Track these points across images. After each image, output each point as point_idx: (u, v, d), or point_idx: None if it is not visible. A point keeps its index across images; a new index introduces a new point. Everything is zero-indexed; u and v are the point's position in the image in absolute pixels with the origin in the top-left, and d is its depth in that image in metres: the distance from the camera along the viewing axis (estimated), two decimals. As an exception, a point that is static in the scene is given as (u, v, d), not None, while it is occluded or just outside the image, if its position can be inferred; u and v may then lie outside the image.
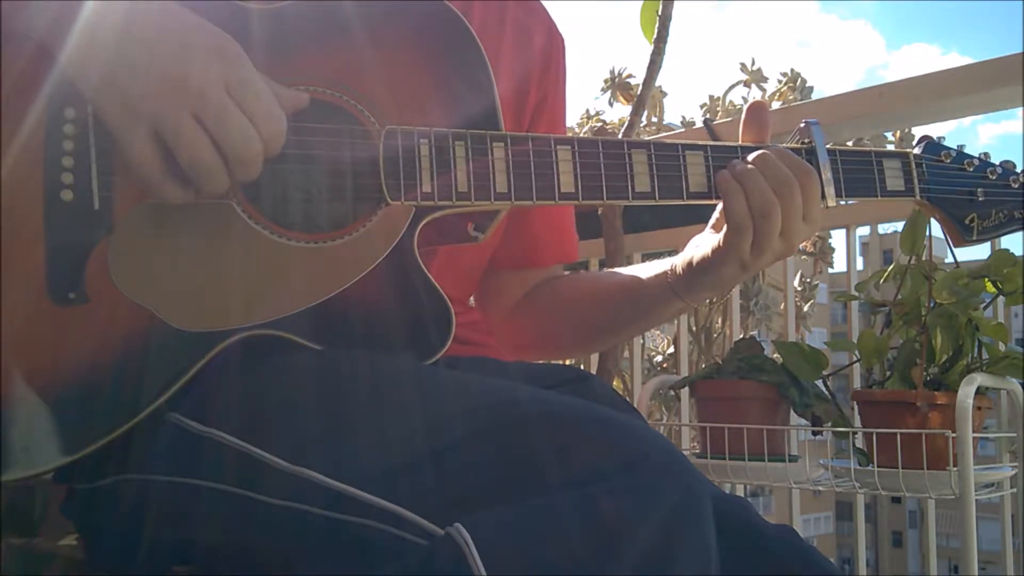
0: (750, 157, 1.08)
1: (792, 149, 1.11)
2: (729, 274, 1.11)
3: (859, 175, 1.13)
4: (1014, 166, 1.17)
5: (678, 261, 1.18)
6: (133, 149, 0.90)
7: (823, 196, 1.10)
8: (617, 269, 1.39)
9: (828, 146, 1.12)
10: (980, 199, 1.16)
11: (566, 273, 1.44)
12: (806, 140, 1.13)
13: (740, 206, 1.06)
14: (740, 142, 1.13)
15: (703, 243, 1.14)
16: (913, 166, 1.15)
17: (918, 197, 1.15)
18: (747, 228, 1.06)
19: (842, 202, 1.13)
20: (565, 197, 1.04)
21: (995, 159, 1.18)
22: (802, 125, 1.14)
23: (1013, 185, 1.16)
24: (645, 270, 1.25)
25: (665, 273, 1.19)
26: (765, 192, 1.05)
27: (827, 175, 1.10)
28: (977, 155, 1.17)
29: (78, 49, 0.88)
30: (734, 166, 1.07)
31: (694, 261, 1.14)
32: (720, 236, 1.10)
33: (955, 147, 1.17)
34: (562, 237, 1.39)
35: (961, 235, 1.16)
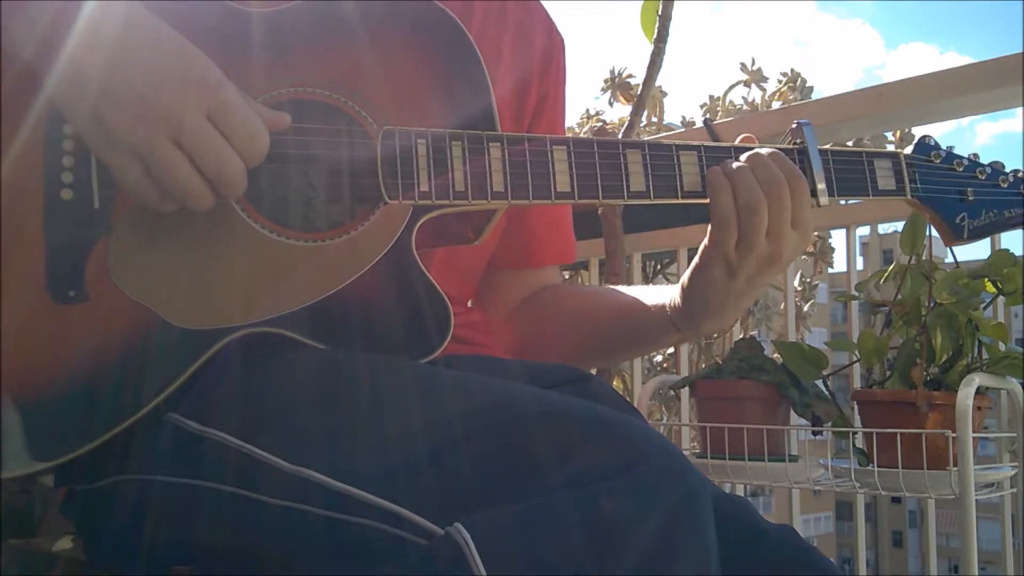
0: (743, 156, 1.08)
1: (784, 149, 1.12)
2: (718, 280, 1.09)
3: (851, 175, 1.14)
4: (1003, 167, 1.18)
5: (674, 290, 1.18)
6: (123, 176, 0.90)
7: (815, 195, 1.10)
8: (621, 288, 1.38)
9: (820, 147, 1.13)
10: (970, 199, 1.16)
11: (566, 283, 1.43)
12: (798, 140, 1.13)
13: (726, 200, 1.06)
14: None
15: (694, 260, 1.14)
16: (904, 165, 1.16)
17: (909, 196, 1.16)
18: (731, 223, 1.06)
19: (841, 202, 1.14)
20: (561, 196, 1.04)
21: (991, 159, 1.19)
22: (794, 125, 1.14)
23: (1002, 185, 1.17)
24: (648, 295, 1.24)
25: (664, 304, 1.19)
26: (752, 188, 1.05)
27: (819, 175, 1.11)
28: (967, 156, 1.18)
29: (63, 84, 0.88)
30: (725, 164, 1.08)
31: (685, 281, 1.15)
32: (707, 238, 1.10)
33: (945, 148, 1.18)
34: (560, 237, 1.39)
35: (952, 234, 1.17)
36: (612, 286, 1.64)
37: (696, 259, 1.12)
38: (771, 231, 1.06)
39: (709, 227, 1.09)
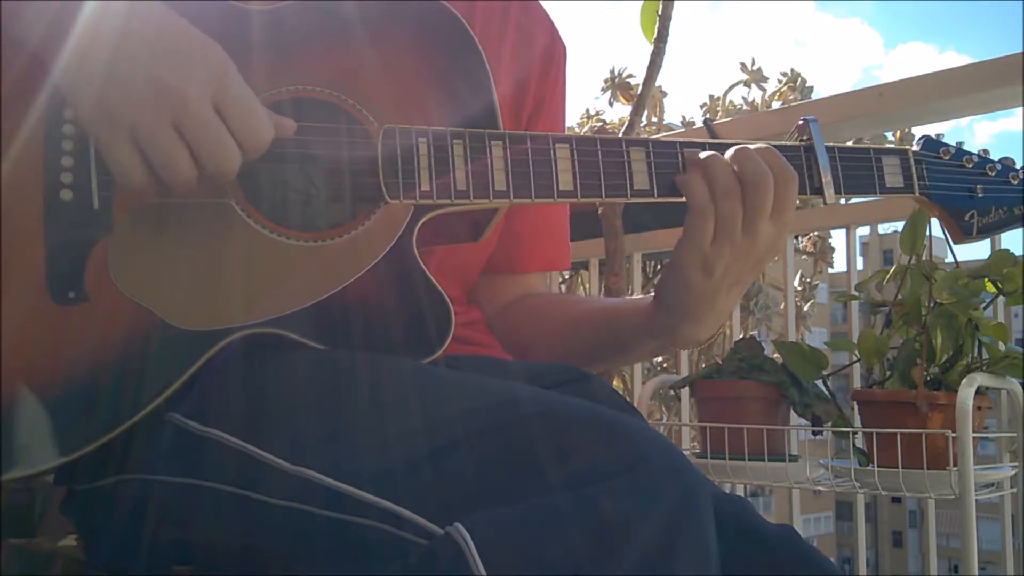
0: (728, 151, 1.05)
1: (791, 146, 1.11)
2: (692, 279, 1.05)
3: (858, 172, 1.12)
4: (1013, 163, 1.17)
5: (651, 296, 1.15)
6: (116, 158, 0.90)
7: (821, 193, 1.09)
8: (602, 299, 1.36)
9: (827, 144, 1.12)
10: (979, 196, 1.15)
11: (548, 293, 1.41)
12: (804, 137, 1.12)
13: (700, 188, 1.03)
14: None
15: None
16: (912, 163, 1.14)
17: (917, 194, 1.15)
18: (708, 211, 1.02)
19: (842, 200, 1.13)
20: (564, 195, 1.04)
21: (994, 156, 1.18)
22: (800, 122, 1.13)
23: (1012, 182, 1.16)
24: (626, 304, 1.22)
25: (640, 312, 1.15)
26: (727, 172, 1.02)
27: (826, 173, 1.10)
28: (976, 152, 1.17)
29: (70, 68, 0.88)
30: (693, 153, 1.05)
31: (659, 283, 1.11)
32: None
33: (954, 144, 1.16)
34: (550, 244, 1.37)
35: (961, 232, 1.16)
36: (596, 295, 1.62)
37: (670, 259, 1.08)
38: (747, 222, 1.02)
39: (683, 229, 1.05)
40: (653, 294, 1.14)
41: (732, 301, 1.11)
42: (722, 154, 1.05)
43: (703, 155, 1.05)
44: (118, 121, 0.88)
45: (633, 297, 1.23)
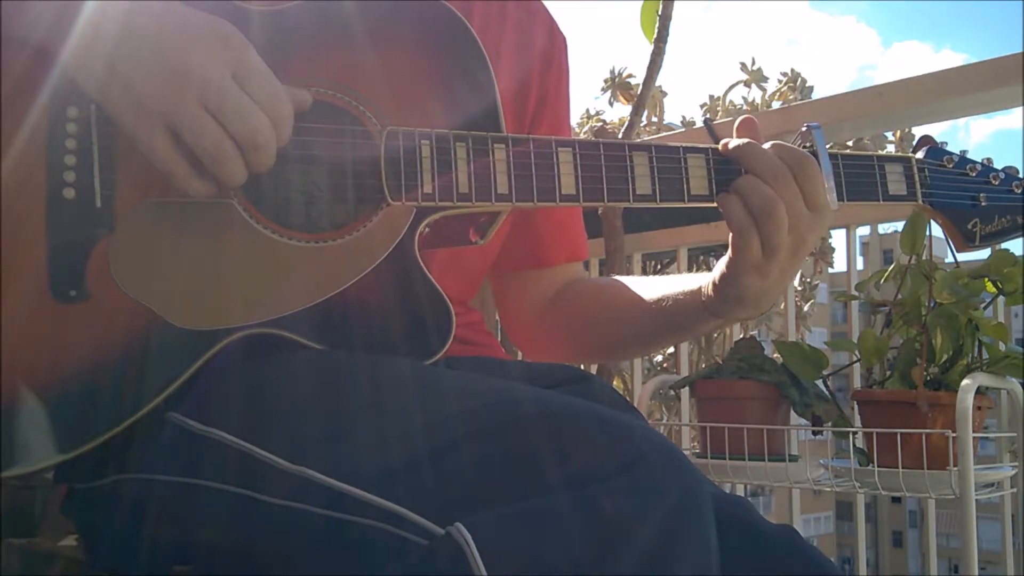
0: (731, 144, 1.07)
1: None
2: (751, 284, 1.08)
3: (861, 179, 1.12)
4: (1016, 172, 1.17)
5: (707, 281, 1.15)
6: (151, 147, 0.90)
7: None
8: (651, 279, 1.37)
9: (830, 149, 1.12)
10: (983, 204, 1.15)
11: (593, 277, 1.42)
12: (807, 144, 1.12)
13: (736, 210, 1.05)
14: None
15: (723, 260, 1.13)
16: (915, 170, 1.14)
17: (920, 202, 1.15)
18: (749, 229, 1.05)
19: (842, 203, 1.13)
20: (566, 199, 1.04)
21: (986, 156, 1.18)
22: (803, 129, 1.13)
23: (1016, 190, 1.16)
24: (679, 284, 1.22)
25: (699, 291, 1.17)
26: (763, 191, 1.04)
27: (829, 182, 1.09)
28: (980, 160, 1.17)
29: (79, 49, 0.89)
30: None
31: (716, 279, 1.13)
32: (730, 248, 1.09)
33: (957, 152, 1.17)
34: (568, 235, 1.39)
35: (964, 240, 1.16)
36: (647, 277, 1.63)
37: (723, 269, 1.10)
38: (791, 224, 1.04)
39: (729, 240, 1.07)
40: (712, 286, 1.14)
41: (788, 282, 1.15)
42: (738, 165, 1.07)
43: (737, 180, 1.06)
44: (149, 111, 0.89)
45: (682, 280, 1.22)
